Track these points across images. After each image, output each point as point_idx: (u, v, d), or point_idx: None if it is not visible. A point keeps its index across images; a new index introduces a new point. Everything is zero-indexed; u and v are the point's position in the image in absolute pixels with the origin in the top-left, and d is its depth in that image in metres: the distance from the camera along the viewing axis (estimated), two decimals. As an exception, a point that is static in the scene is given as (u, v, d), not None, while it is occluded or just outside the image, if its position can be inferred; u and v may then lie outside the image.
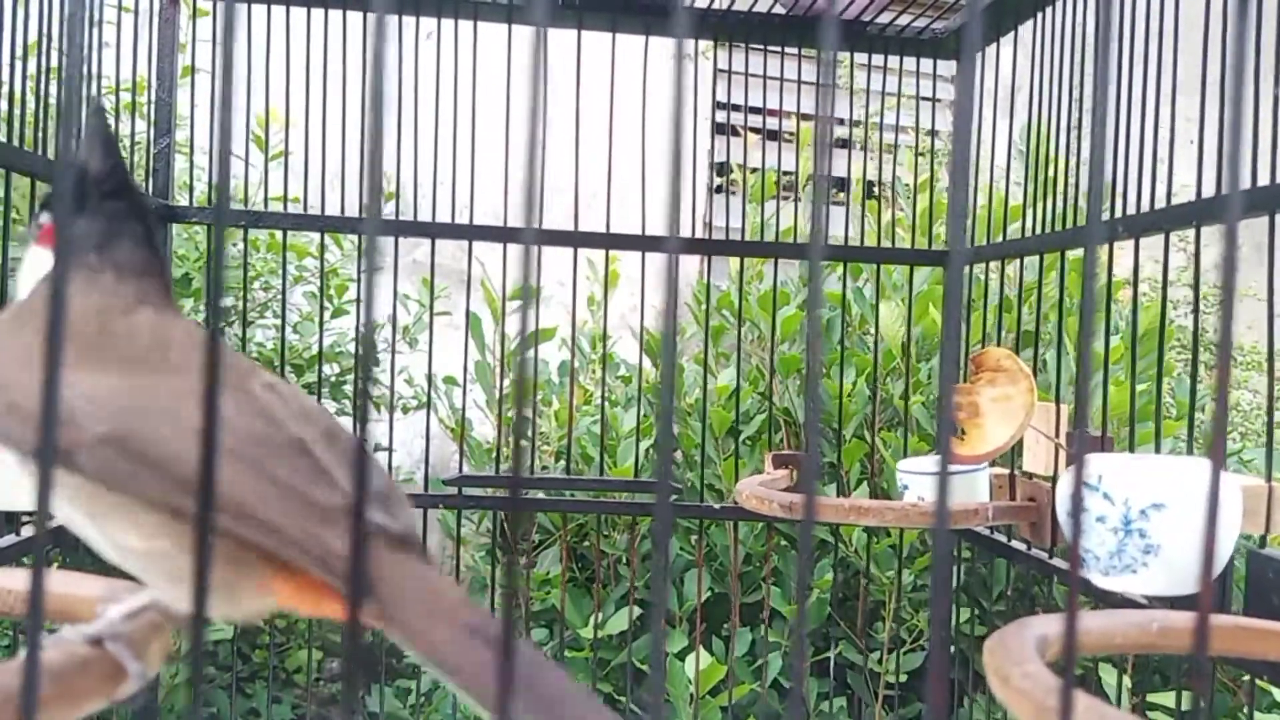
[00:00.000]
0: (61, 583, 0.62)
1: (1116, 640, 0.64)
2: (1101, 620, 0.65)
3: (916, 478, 1.21)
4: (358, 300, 1.71)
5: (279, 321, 2.00)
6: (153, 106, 1.46)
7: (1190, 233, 1.05)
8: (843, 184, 2.34)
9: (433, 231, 1.49)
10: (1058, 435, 1.09)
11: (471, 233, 1.49)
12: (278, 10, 1.46)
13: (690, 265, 2.22)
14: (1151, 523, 0.81)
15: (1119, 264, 1.32)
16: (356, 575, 0.27)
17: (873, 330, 1.91)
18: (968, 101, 1.52)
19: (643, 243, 1.51)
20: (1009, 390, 1.06)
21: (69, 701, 0.44)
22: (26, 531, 1.12)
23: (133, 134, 1.45)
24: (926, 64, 1.60)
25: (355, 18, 1.47)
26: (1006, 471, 1.21)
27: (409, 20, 1.47)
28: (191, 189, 1.75)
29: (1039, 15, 1.36)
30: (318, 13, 1.47)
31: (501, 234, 1.48)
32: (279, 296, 2.00)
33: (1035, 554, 1.21)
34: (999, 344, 1.42)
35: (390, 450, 1.52)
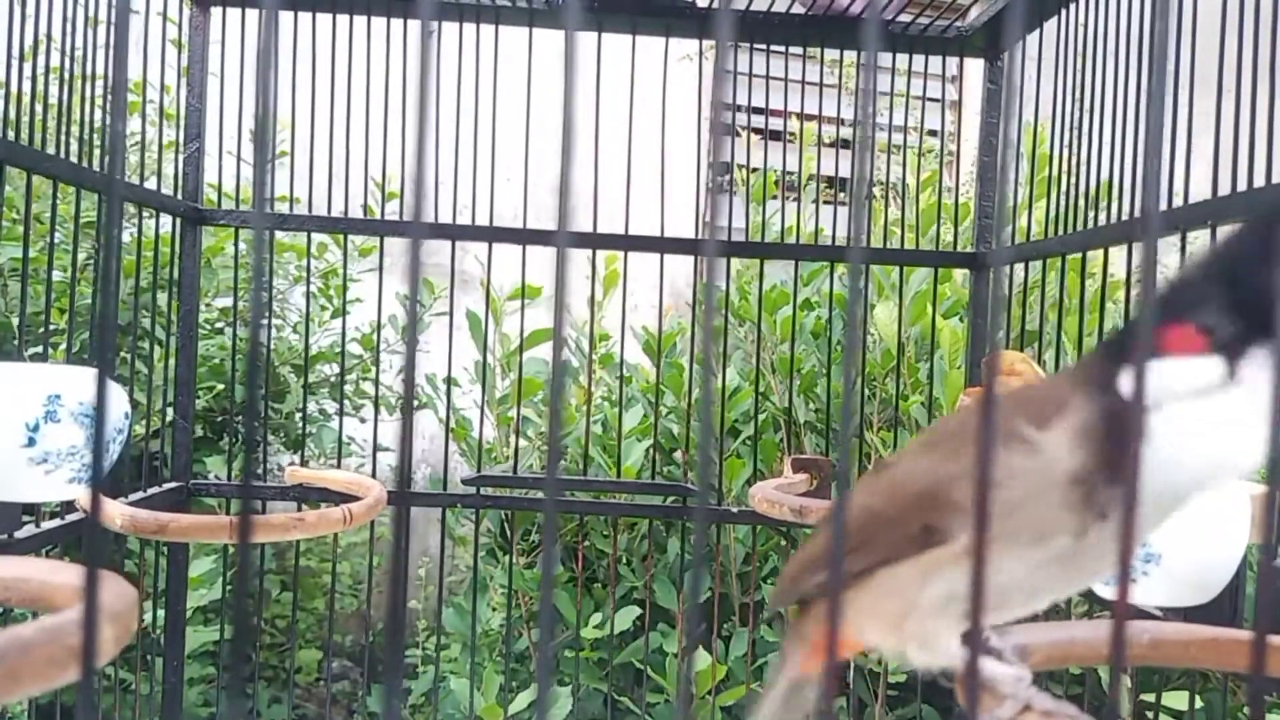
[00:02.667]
0: (45, 570, 0.63)
1: (1103, 651, 0.64)
2: (1089, 630, 0.65)
3: None
4: (343, 301, 1.71)
5: (278, 322, 2.00)
6: (182, 111, 1.47)
7: (1197, 233, 1.05)
8: (843, 184, 2.33)
9: (453, 234, 1.49)
10: None
11: (491, 234, 1.49)
12: (284, 14, 1.46)
13: (689, 265, 2.22)
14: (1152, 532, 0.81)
15: (1117, 264, 1.32)
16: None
17: (874, 330, 1.90)
18: (1005, 106, 1.52)
19: (658, 244, 1.51)
20: None
21: (11, 682, 0.45)
22: (46, 525, 1.12)
23: (160, 137, 1.46)
24: (926, 64, 1.59)
25: (359, 21, 1.47)
26: None
27: (411, 21, 1.48)
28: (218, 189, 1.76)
29: (1055, 17, 1.35)
30: (323, 18, 1.47)
31: (521, 236, 1.49)
32: (277, 296, 2.00)
33: None
34: (1007, 346, 1.42)
35: (403, 450, 1.52)
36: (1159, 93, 0.30)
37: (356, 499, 1.21)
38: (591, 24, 1.47)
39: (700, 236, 1.62)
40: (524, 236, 1.49)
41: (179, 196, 1.45)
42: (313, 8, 1.47)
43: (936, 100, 1.68)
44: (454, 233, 1.50)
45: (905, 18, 1.47)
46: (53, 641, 0.48)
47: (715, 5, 1.48)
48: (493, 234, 1.50)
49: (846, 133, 2.33)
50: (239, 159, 1.47)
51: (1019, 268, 1.43)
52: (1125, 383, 0.47)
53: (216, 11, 1.48)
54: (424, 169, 0.27)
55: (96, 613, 0.30)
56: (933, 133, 2.07)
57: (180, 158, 1.47)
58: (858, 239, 0.31)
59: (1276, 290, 0.43)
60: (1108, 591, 0.86)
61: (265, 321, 1.65)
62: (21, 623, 0.52)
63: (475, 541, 1.56)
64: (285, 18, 1.46)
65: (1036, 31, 1.39)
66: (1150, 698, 1.57)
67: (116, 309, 1.26)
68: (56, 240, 1.24)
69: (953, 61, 1.59)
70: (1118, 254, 1.22)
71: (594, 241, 1.51)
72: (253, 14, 1.47)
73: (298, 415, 1.91)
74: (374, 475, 1.44)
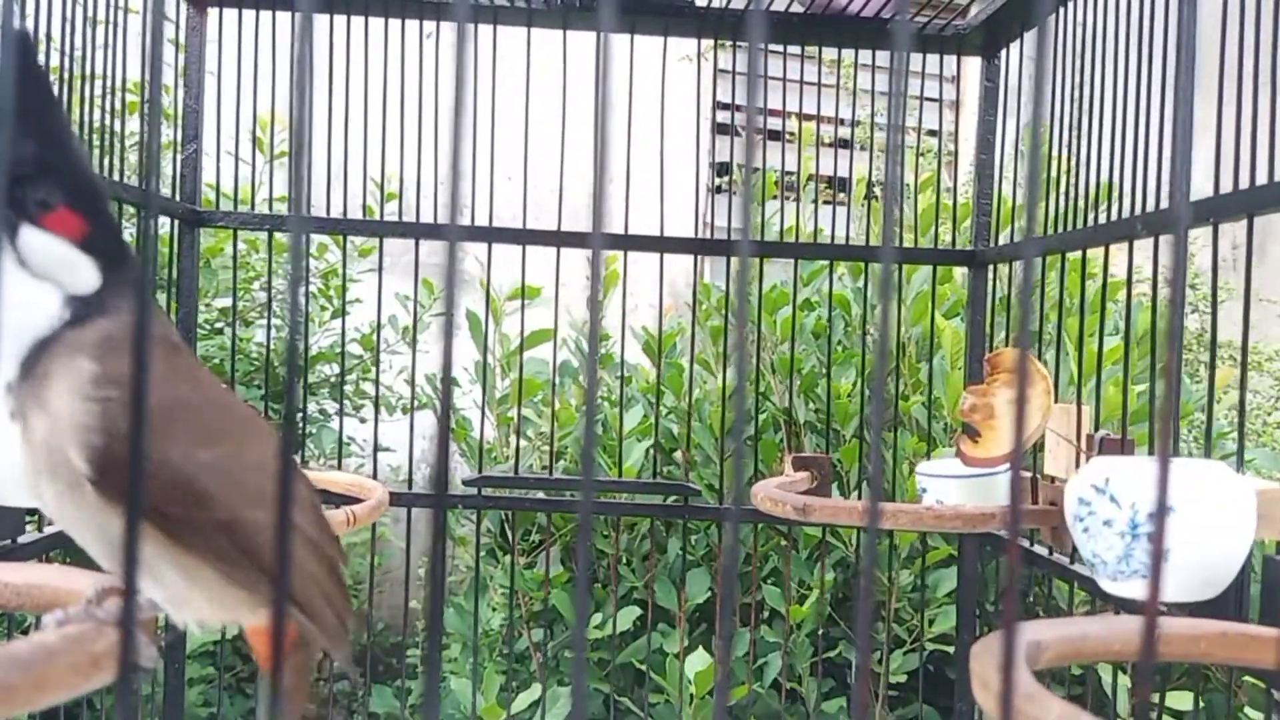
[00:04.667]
0: (57, 576, 0.63)
1: (1115, 647, 0.64)
2: (1099, 626, 0.64)
3: (935, 480, 1.19)
4: (344, 300, 1.71)
5: (278, 322, 2.00)
6: (179, 112, 1.47)
7: (1198, 231, 1.05)
8: (843, 184, 2.34)
9: (451, 234, 1.49)
10: (1079, 437, 1.07)
11: (490, 235, 1.49)
12: (281, 15, 1.47)
13: (688, 264, 2.22)
14: (1159, 527, 0.81)
15: (1117, 263, 1.32)
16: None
17: (873, 330, 1.90)
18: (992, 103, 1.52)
19: (659, 243, 1.51)
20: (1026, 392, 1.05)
21: (37, 690, 0.45)
22: (49, 529, 1.12)
23: (159, 137, 1.46)
24: (924, 63, 1.59)
25: (357, 22, 1.47)
26: (1028, 475, 1.19)
27: (409, 21, 1.48)
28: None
29: (1054, 15, 1.35)
30: (321, 18, 1.47)
31: (522, 236, 1.49)
32: (276, 296, 2.00)
33: (1057, 559, 1.20)
34: (1006, 344, 1.42)
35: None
36: (1188, 95, 0.30)
37: (359, 500, 1.21)
38: (589, 23, 1.47)
39: (699, 236, 1.62)
40: (525, 237, 1.49)
41: (177, 198, 1.45)
42: (327, 9, 1.47)
43: (935, 100, 1.68)
44: (455, 233, 1.49)
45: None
46: (76, 649, 0.48)
47: (713, 4, 1.48)
48: (493, 234, 1.50)
49: (845, 132, 2.33)
50: (236, 159, 1.47)
51: (1017, 266, 1.43)
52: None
53: (213, 12, 1.48)
54: (459, 172, 0.27)
55: (135, 616, 0.30)
56: (932, 133, 2.07)
57: (178, 159, 1.46)
58: (888, 240, 0.31)
59: None
60: (1113, 587, 0.86)
61: (269, 322, 1.65)
62: (23, 626, 0.52)
63: (476, 541, 1.56)
64: (284, 18, 1.46)
65: (1034, 30, 1.39)
66: (1153, 698, 1.58)
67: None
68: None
69: (951, 61, 1.59)
70: (1119, 253, 1.22)
71: (602, 242, 1.51)
72: (249, 14, 1.47)
73: (298, 415, 1.91)
74: (374, 476, 1.44)
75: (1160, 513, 0.28)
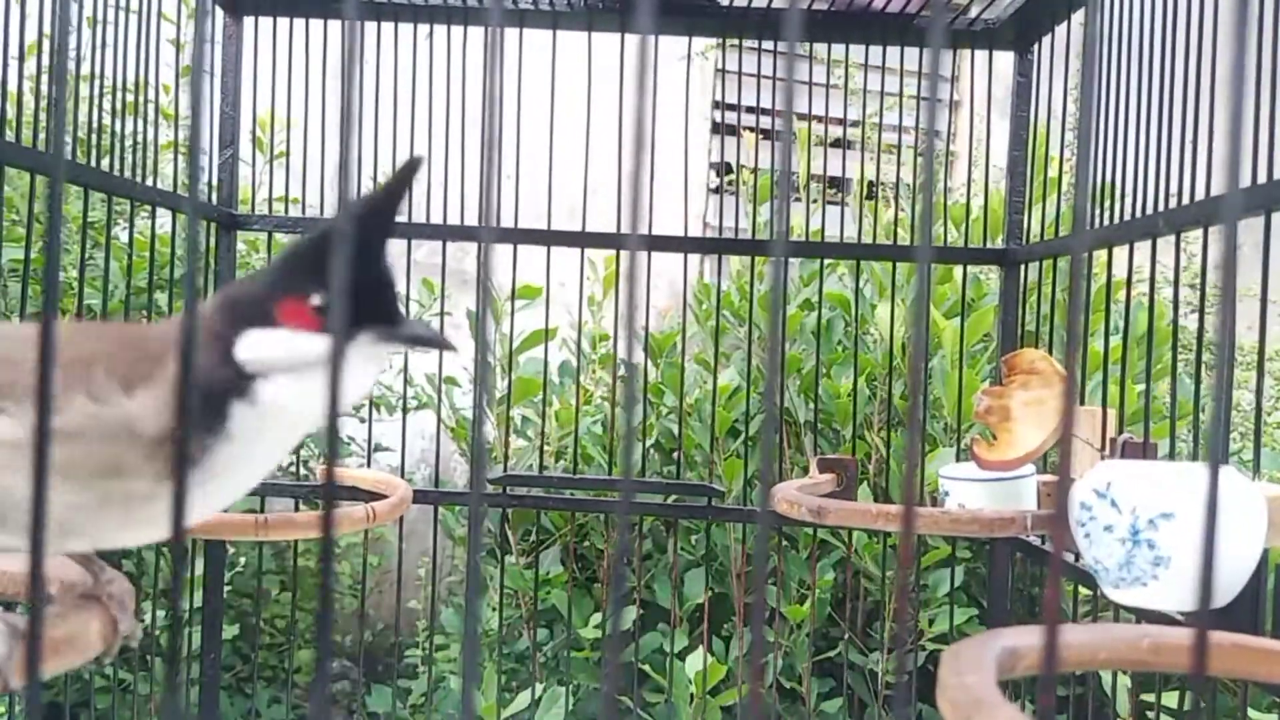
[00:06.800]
0: (53, 566, 0.64)
1: (1101, 656, 0.62)
2: (1085, 635, 0.63)
3: (958, 484, 1.17)
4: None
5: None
6: (217, 119, 1.49)
7: (1197, 232, 1.05)
8: (845, 184, 2.33)
9: (443, 234, 1.49)
10: (1103, 440, 1.05)
11: (482, 234, 1.49)
12: (281, 20, 1.48)
13: (691, 265, 2.22)
14: (1160, 533, 0.80)
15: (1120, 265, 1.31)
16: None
17: (874, 330, 1.90)
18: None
19: (649, 242, 1.50)
20: (1043, 394, 1.03)
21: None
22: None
23: (195, 140, 1.47)
24: (936, 61, 1.58)
25: (370, 26, 1.47)
26: (1056, 479, 1.16)
27: (410, 23, 1.48)
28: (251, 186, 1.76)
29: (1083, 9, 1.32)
30: (331, 23, 1.48)
31: (544, 237, 1.49)
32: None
33: (1082, 565, 1.19)
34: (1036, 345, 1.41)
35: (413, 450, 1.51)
36: (1086, 132, 0.30)
37: (384, 497, 1.22)
38: (614, 25, 1.45)
39: (705, 236, 1.61)
40: (549, 238, 1.49)
41: (214, 201, 1.49)
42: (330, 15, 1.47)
43: (936, 100, 1.68)
44: (481, 234, 1.50)
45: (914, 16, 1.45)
46: (63, 629, 0.49)
47: (736, 3, 1.45)
48: (518, 236, 1.50)
49: (849, 133, 2.32)
50: (253, 163, 1.49)
51: (1033, 266, 1.42)
52: (243, 349, 0.49)
53: (249, 21, 1.50)
54: (348, 169, 0.27)
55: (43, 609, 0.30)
56: (936, 133, 2.07)
57: (214, 163, 1.50)
58: (782, 233, 0.31)
59: (377, 282, 0.48)
60: (1116, 595, 0.85)
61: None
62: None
63: (495, 540, 1.56)
64: (295, 24, 1.47)
65: (1064, 28, 1.37)
66: (1150, 698, 1.58)
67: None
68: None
69: (949, 61, 1.58)
70: (1121, 254, 1.22)
71: (612, 242, 1.51)
72: (284, 23, 1.47)
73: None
74: (403, 475, 1.45)
75: (1060, 513, 0.28)
